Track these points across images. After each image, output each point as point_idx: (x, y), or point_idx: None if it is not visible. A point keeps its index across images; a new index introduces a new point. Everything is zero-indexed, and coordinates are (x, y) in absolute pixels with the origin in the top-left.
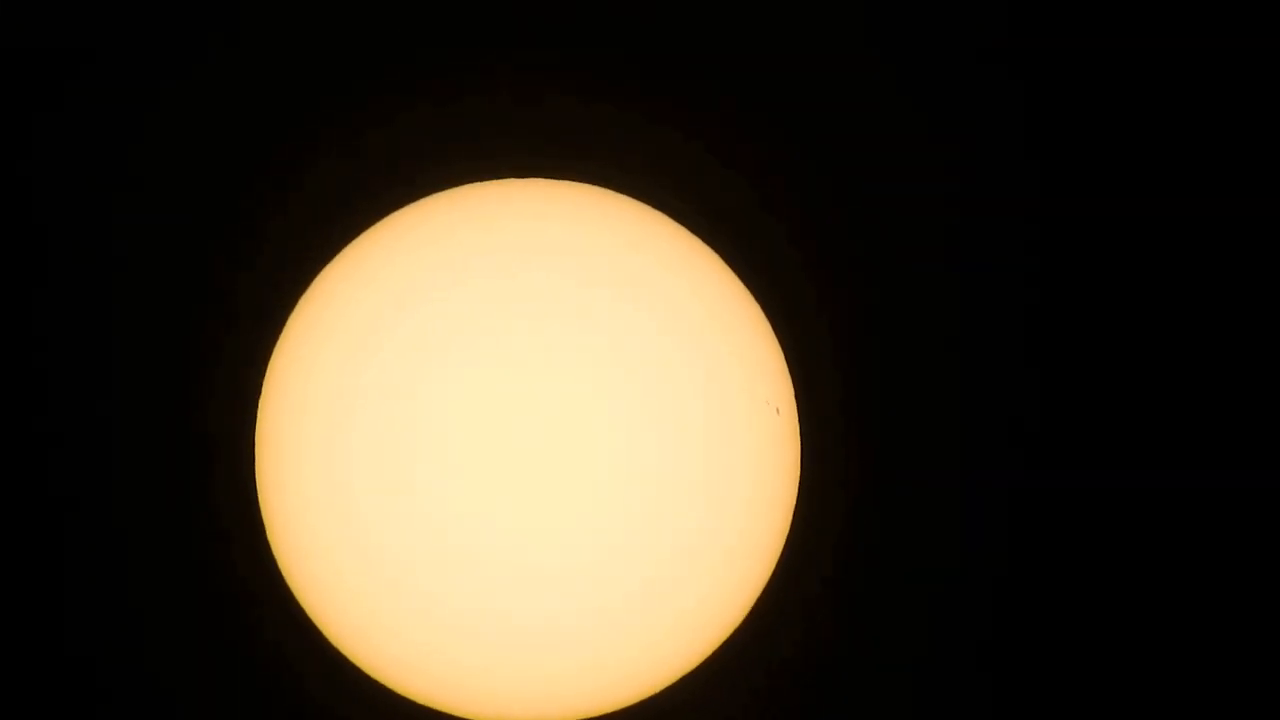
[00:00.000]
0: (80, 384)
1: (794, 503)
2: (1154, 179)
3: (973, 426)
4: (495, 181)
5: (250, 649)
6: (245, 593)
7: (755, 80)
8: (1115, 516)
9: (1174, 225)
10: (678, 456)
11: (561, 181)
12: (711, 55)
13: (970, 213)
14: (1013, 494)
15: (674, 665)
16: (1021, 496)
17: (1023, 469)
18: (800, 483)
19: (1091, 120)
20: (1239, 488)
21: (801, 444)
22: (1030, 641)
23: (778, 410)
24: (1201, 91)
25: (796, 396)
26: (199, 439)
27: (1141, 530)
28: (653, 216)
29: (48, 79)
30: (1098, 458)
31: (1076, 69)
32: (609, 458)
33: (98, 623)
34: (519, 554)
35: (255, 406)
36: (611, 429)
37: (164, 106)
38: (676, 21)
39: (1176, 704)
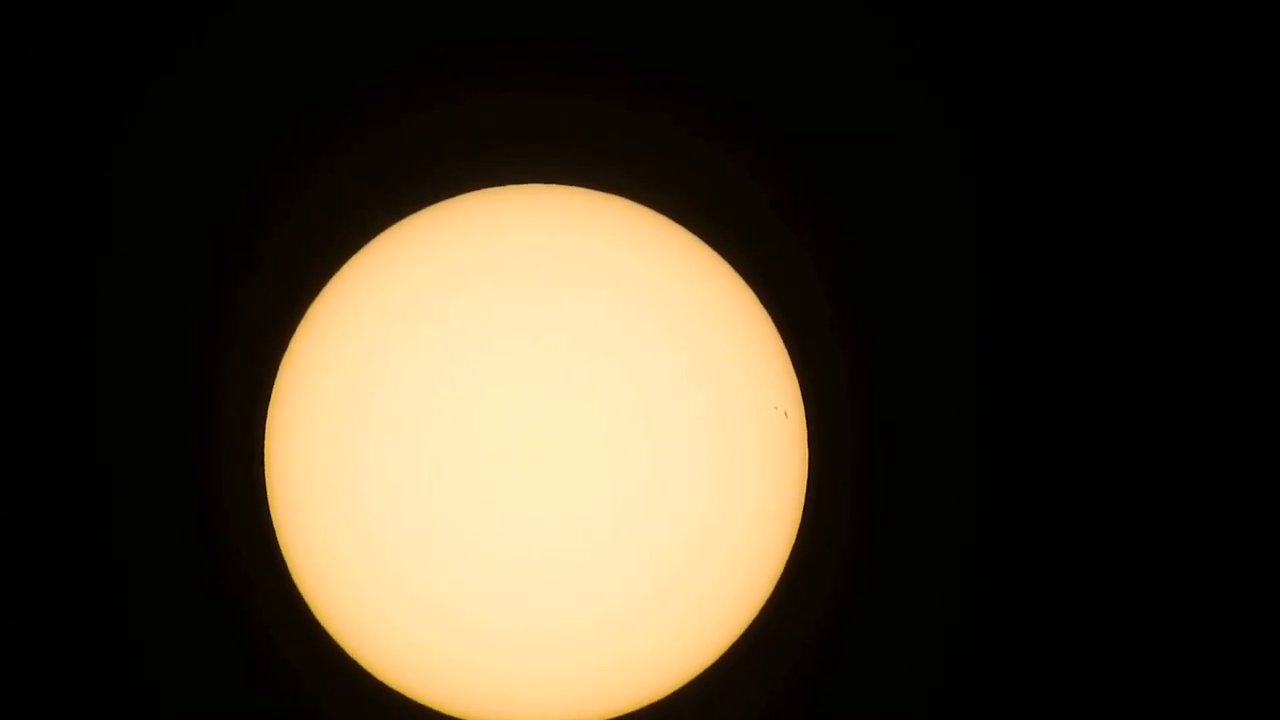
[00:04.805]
0: (88, 388)
1: (802, 506)
2: (1170, 181)
3: (981, 428)
4: (502, 188)
5: (259, 652)
6: (255, 597)
7: (760, 83)
8: (1125, 519)
9: (1187, 227)
10: (686, 461)
11: (568, 187)
12: (720, 58)
13: (978, 213)
14: (1020, 495)
15: (682, 669)
16: (1029, 497)
17: (1030, 470)
18: (808, 486)
19: (1105, 123)
20: (1240, 488)
21: (809, 448)
22: (1038, 643)
23: (785, 414)
24: (1206, 97)
25: (804, 400)
26: (209, 444)
27: (1152, 534)
28: (660, 222)
29: (47, 83)
30: (1106, 458)
31: (1091, 69)
32: (617, 462)
33: (104, 624)
34: (527, 557)
35: (265, 410)
36: (619, 433)
37: (166, 111)
38: (686, 25)
39: (1184, 708)
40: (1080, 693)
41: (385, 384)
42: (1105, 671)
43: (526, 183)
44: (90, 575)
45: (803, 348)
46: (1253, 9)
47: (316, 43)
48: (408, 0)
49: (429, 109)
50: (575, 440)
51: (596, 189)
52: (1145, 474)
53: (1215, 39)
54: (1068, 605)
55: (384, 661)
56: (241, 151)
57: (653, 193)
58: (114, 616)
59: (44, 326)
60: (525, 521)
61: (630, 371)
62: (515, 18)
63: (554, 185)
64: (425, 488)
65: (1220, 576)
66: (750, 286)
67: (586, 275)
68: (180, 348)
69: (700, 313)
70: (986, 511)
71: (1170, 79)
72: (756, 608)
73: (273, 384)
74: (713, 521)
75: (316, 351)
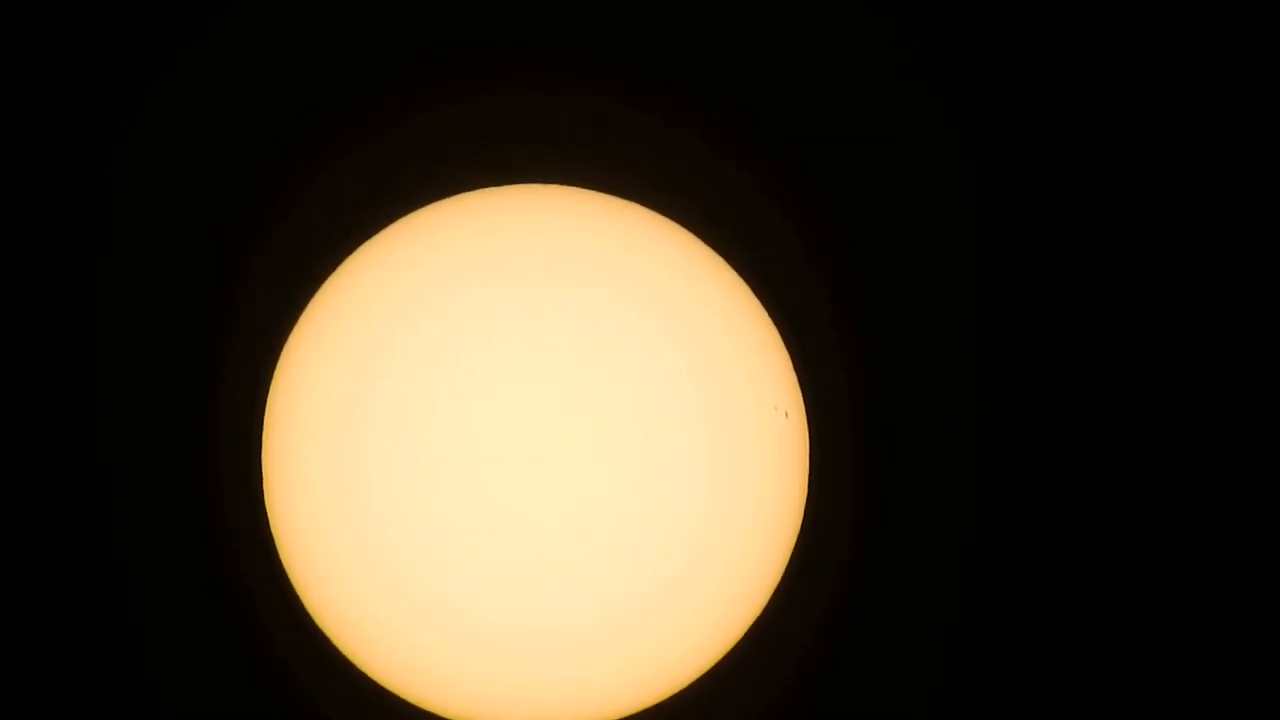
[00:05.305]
0: (88, 388)
1: (802, 506)
2: (1170, 181)
3: (981, 428)
4: (502, 188)
5: (257, 652)
6: (253, 597)
7: (760, 83)
8: (1125, 519)
9: (1187, 227)
10: (686, 461)
11: (568, 187)
12: (720, 58)
13: (978, 213)
14: (1020, 495)
15: (684, 670)
16: (1030, 499)
17: (1032, 471)
18: (809, 486)
19: (1105, 122)
20: (1244, 489)
21: (810, 448)
22: (1038, 643)
23: (786, 414)
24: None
25: (804, 400)
26: (208, 443)
27: (1153, 533)
28: (660, 222)
29: (47, 83)
30: (1106, 458)
31: (1091, 69)
32: (617, 462)
33: (103, 624)
34: (527, 557)
35: (264, 410)
36: (619, 433)
37: (166, 111)
38: (686, 25)
39: (1184, 708)
40: (1080, 693)
41: (384, 384)
42: (1105, 671)
43: (526, 183)
44: (90, 575)
45: (803, 348)
46: (1253, 9)
47: (316, 43)
48: (408, 0)
49: (429, 109)
50: (575, 440)
51: (596, 189)
52: (1145, 474)
53: (1215, 39)
54: (1068, 605)
55: (381, 663)
56: (241, 151)
57: (653, 193)
58: (114, 616)
59: (44, 326)
60: (525, 521)
61: (630, 371)
62: (515, 18)
63: (554, 185)
64: (425, 488)
65: (1220, 576)
66: (750, 286)
67: (586, 275)
68: (180, 348)
69: (700, 313)
70: (986, 511)
71: (1170, 79)
72: (758, 608)
73: (270, 385)
74: (713, 521)
75: (316, 351)
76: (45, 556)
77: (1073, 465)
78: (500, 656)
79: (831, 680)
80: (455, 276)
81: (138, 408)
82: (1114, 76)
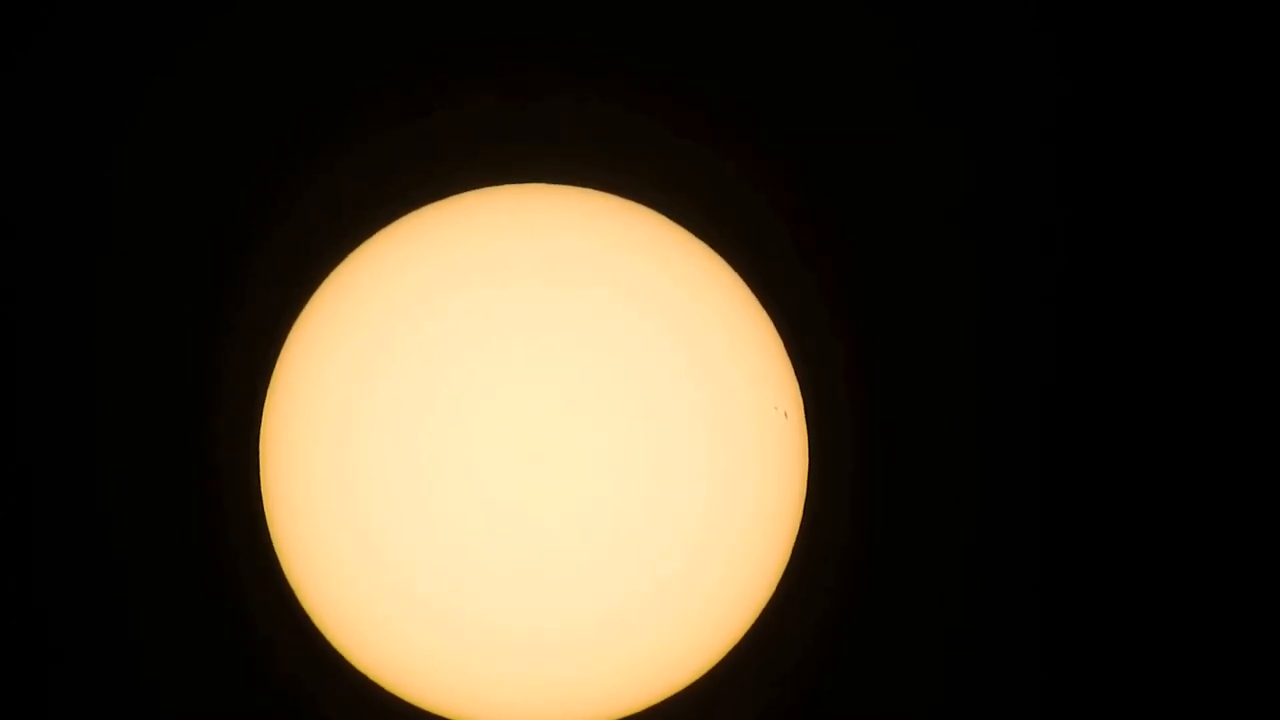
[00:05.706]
0: (88, 388)
1: (802, 506)
2: (1170, 181)
3: (981, 428)
4: (502, 188)
5: (256, 653)
6: (251, 599)
7: (760, 83)
8: (1125, 518)
9: (1188, 227)
10: (686, 461)
11: (568, 187)
12: (720, 58)
13: (978, 213)
14: (1021, 495)
15: (684, 670)
16: (1030, 498)
17: (1031, 470)
18: (808, 486)
19: (1105, 122)
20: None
21: (809, 448)
22: (1038, 643)
23: (785, 414)
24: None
25: (804, 400)
26: (208, 444)
27: (1152, 533)
28: (660, 222)
29: (47, 83)
30: (1106, 458)
31: (1091, 69)
32: (617, 462)
33: (103, 624)
34: (527, 558)
35: (263, 410)
36: (619, 433)
37: (166, 111)
38: (686, 25)
39: (1184, 708)
40: (1080, 693)
41: (384, 384)
42: (1105, 671)
43: (526, 183)
44: (90, 575)
45: (803, 348)
46: (1253, 9)
47: (316, 43)
48: (408, 0)
49: (429, 109)
50: (575, 440)
51: (596, 189)
52: (1146, 474)
53: (1215, 39)
54: (1068, 605)
55: (380, 662)
56: (241, 151)
57: (653, 193)
58: (113, 616)
59: (44, 326)
60: (525, 521)
61: (630, 371)
62: (515, 18)
63: (554, 185)
64: (424, 489)
65: (1220, 576)
66: (750, 286)
67: (586, 275)
68: (180, 348)
69: (700, 313)
70: (986, 511)
71: (1170, 79)
72: (757, 608)
73: (271, 384)
74: (713, 521)
75: (316, 351)
76: (45, 556)
77: (1072, 465)
78: (500, 657)
79: (831, 680)
80: (455, 276)
81: (138, 408)
82: (1114, 76)
